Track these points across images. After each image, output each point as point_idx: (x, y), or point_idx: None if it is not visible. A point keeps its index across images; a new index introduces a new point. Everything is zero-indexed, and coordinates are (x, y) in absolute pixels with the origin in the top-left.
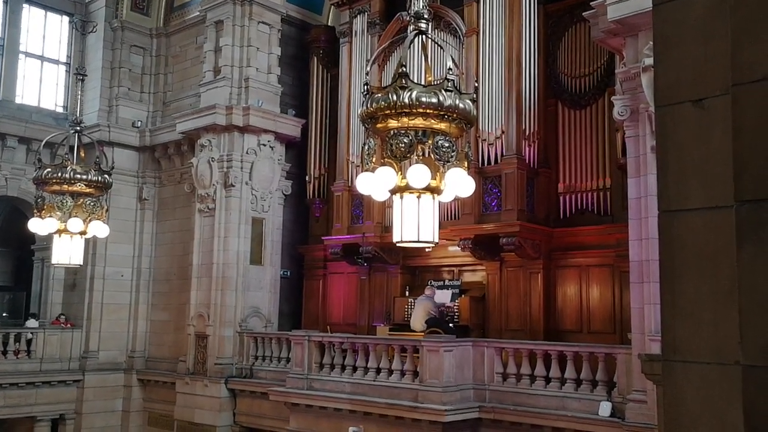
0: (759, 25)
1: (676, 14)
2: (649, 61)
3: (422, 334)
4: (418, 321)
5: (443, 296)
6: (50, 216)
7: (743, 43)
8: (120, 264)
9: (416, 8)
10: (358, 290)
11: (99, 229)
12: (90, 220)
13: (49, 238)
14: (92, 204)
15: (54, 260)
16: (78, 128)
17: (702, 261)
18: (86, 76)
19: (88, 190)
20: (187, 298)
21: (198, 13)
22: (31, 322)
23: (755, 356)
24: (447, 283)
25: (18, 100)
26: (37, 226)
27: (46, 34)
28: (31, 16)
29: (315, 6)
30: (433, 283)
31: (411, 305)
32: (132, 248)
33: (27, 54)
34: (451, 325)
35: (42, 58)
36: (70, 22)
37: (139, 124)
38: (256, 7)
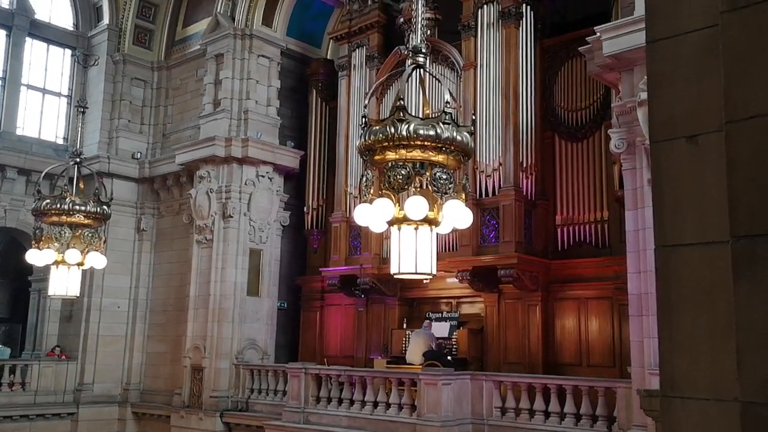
0: (751, 64)
1: (669, 52)
2: (645, 95)
3: (420, 367)
4: (414, 354)
5: (441, 329)
6: (48, 247)
7: (736, 80)
8: (117, 295)
9: (414, 42)
10: (355, 322)
11: (97, 260)
12: (88, 251)
13: (46, 269)
14: (90, 235)
15: (51, 291)
16: (78, 160)
17: (699, 296)
18: (87, 108)
19: (86, 222)
20: (184, 329)
21: (199, 47)
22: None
23: (753, 393)
24: (445, 315)
25: (19, 132)
26: (34, 257)
27: (48, 66)
28: (34, 50)
29: (314, 40)
30: (431, 315)
31: (409, 338)
32: (129, 279)
33: (29, 86)
34: (449, 357)
35: (43, 91)
36: (72, 55)
37: (138, 156)
38: (256, 40)
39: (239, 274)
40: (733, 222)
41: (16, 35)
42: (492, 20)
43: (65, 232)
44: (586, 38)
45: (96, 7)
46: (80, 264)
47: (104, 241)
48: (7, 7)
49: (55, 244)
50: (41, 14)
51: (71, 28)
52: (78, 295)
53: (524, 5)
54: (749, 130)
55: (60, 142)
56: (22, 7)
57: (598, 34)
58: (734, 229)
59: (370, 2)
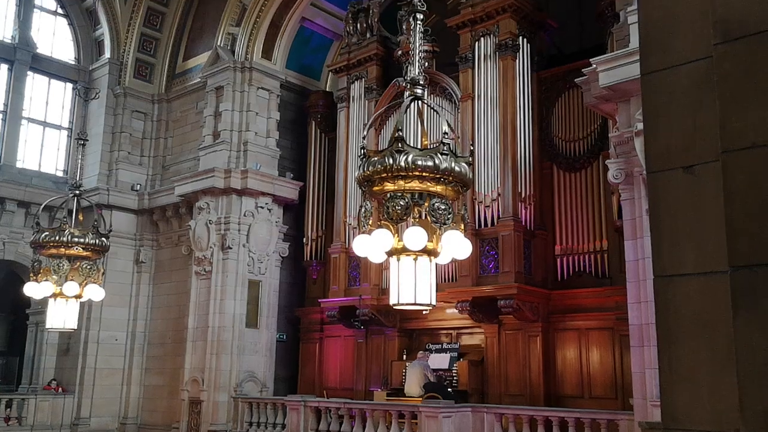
0: (745, 95)
1: (663, 83)
2: (642, 125)
3: (420, 399)
4: (413, 386)
5: (441, 360)
6: (46, 280)
7: (731, 111)
8: (115, 328)
9: (412, 74)
10: (354, 354)
11: (95, 292)
12: (86, 284)
13: (44, 302)
14: (89, 267)
15: (48, 324)
16: (77, 192)
17: (698, 326)
18: (87, 141)
19: (85, 254)
20: (182, 362)
21: (199, 80)
22: None
23: (756, 425)
24: (445, 346)
25: (19, 165)
26: (32, 290)
27: (49, 100)
28: (35, 84)
29: (313, 72)
30: (431, 346)
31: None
32: (127, 311)
33: (30, 120)
34: (449, 390)
35: (44, 124)
36: (73, 88)
37: (138, 188)
38: (256, 73)
39: (238, 305)
40: (732, 252)
41: (18, 69)
42: (489, 52)
43: (63, 265)
44: (582, 70)
45: (98, 42)
46: (78, 296)
47: (102, 273)
48: (9, 41)
49: (54, 276)
50: (43, 48)
51: (73, 62)
52: (75, 327)
53: (521, 38)
54: (746, 159)
55: (60, 174)
56: (24, 42)
57: (594, 65)
58: (733, 259)
59: (368, 35)
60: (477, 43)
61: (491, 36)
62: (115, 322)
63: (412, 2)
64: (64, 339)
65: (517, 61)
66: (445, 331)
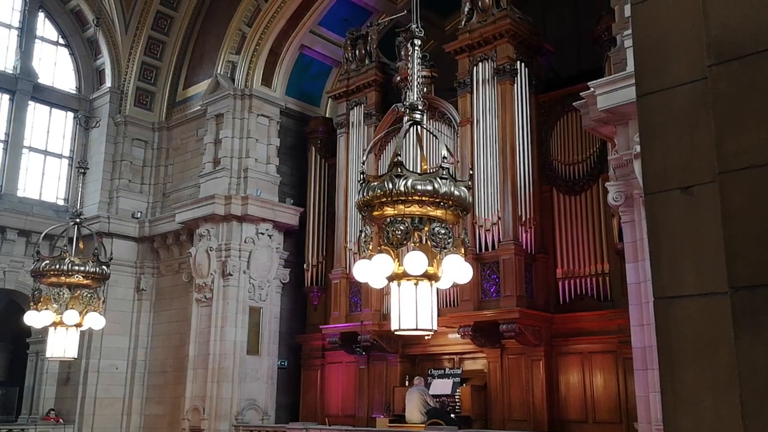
0: (741, 115)
1: (659, 105)
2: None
3: (422, 425)
4: (413, 412)
5: (444, 386)
6: (46, 308)
7: (727, 132)
8: (115, 356)
9: (411, 100)
10: (356, 380)
11: (95, 321)
12: (86, 312)
13: (44, 331)
14: (89, 295)
15: (48, 354)
16: (78, 220)
17: (700, 348)
18: (88, 169)
19: (85, 282)
20: (183, 390)
21: (199, 107)
22: None
23: None
24: (448, 371)
25: (20, 194)
26: (33, 319)
27: (50, 129)
28: (36, 113)
29: (313, 99)
30: (433, 372)
31: None
32: (128, 340)
33: (30, 149)
34: (452, 415)
35: (45, 153)
36: (74, 117)
37: (138, 215)
38: (256, 100)
39: (239, 332)
40: (732, 273)
41: (20, 99)
42: (487, 77)
43: (64, 293)
44: (581, 93)
45: (98, 71)
46: (78, 325)
47: (103, 302)
48: (11, 72)
49: (54, 305)
50: (45, 78)
51: (74, 91)
52: (76, 356)
53: (519, 62)
54: (743, 180)
55: (60, 203)
56: (26, 72)
57: (592, 89)
58: (733, 280)
59: (367, 62)
60: (475, 68)
61: (489, 61)
62: (116, 350)
63: (410, 29)
64: (64, 368)
65: (516, 85)
66: (447, 357)
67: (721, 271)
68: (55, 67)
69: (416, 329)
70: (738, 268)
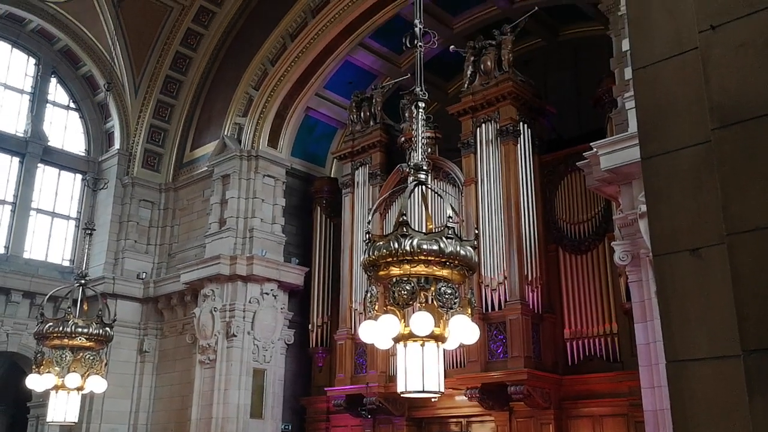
0: (746, 177)
1: (664, 167)
2: (645, 207)
3: None
4: None
5: None
6: (48, 371)
7: (733, 194)
8: (116, 420)
9: (415, 160)
10: None
11: (97, 384)
12: (88, 375)
13: (45, 394)
14: (92, 358)
15: (49, 417)
16: (83, 281)
17: (714, 412)
18: (95, 230)
19: (88, 344)
20: None
21: (206, 168)
22: None
23: None
24: None
25: (26, 255)
26: (34, 382)
27: (58, 191)
28: (45, 175)
29: (318, 159)
30: None
31: None
32: (129, 403)
33: (38, 210)
34: None
35: (53, 214)
36: (82, 179)
37: (143, 276)
38: (262, 161)
39: (242, 395)
40: (743, 335)
41: (29, 162)
42: (491, 137)
43: (66, 356)
44: (584, 153)
45: (108, 133)
46: (80, 388)
47: (105, 364)
48: (21, 135)
49: (56, 368)
50: (55, 141)
51: (83, 154)
52: (76, 421)
53: (521, 123)
54: (751, 242)
55: (66, 264)
56: (36, 135)
57: (595, 149)
58: (745, 343)
59: (371, 123)
60: (478, 129)
61: (492, 122)
62: (117, 414)
63: (414, 91)
64: None
65: (519, 145)
66: (455, 420)
67: (732, 334)
68: (66, 130)
69: (423, 391)
70: (749, 330)
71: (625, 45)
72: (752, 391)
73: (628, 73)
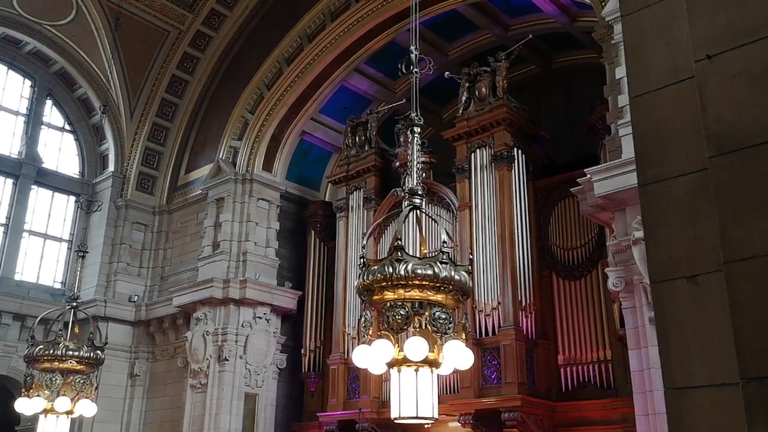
0: (743, 205)
1: (661, 195)
2: (639, 234)
3: None
4: None
5: None
6: (38, 395)
7: (730, 221)
8: None
9: (410, 185)
10: None
11: (86, 408)
12: (78, 399)
13: (34, 418)
14: (82, 381)
15: None
16: (74, 304)
17: None
18: (87, 252)
19: (79, 367)
20: None
21: (200, 191)
22: None
23: None
24: None
25: (17, 277)
26: (24, 406)
27: (51, 212)
28: (39, 197)
29: (313, 183)
30: None
31: None
32: (119, 428)
33: (31, 232)
34: None
35: (45, 236)
36: (76, 201)
37: (135, 299)
38: (257, 185)
39: (233, 420)
40: (742, 363)
41: (23, 183)
42: (485, 163)
43: (56, 379)
44: (577, 180)
45: (102, 156)
46: (70, 412)
47: (95, 388)
48: (15, 157)
49: (45, 391)
50: (49, 163)
51: (77, 176)
52: None
53: (516, 149)
54: (749, 269)
55: (57, 286)
56: (30, 157)
57: (589, 176)
58: (743, 371)
59: (366, 148)
60: (473, 154)
61: (487, 147)
62: None
63: (410, 116)
64: None
65: (513, 171)
66: None
67: (731, 361)
68: (60, 152)
69: (417, 417)
70: (748, 358)
71: (619, 73)
72: (751, 419)
73: (621, 100)
